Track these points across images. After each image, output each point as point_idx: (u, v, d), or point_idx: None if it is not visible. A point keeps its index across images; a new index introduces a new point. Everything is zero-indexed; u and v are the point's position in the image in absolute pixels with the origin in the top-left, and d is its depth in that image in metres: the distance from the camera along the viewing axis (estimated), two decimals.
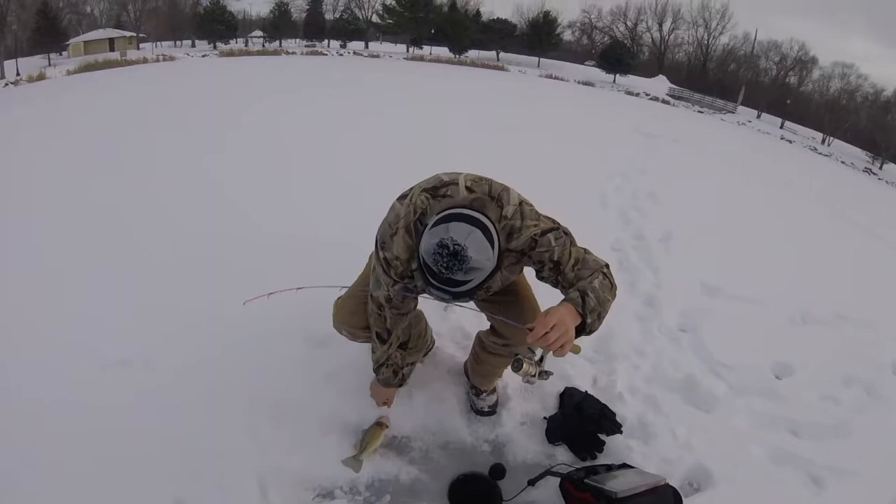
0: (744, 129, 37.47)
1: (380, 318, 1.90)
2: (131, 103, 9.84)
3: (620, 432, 2.18)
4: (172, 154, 5.66)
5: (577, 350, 1.53)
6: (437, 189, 1.60)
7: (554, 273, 1.63)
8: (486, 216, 1.49)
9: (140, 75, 17.39)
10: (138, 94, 11.28)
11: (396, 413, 2.21)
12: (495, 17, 56.36)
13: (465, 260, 1.39)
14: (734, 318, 3.31)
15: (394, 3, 57.66)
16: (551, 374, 1.58)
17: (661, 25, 73.05)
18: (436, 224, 1.44)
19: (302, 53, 45.25)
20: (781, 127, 54.93)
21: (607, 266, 1.66)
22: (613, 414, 2.25)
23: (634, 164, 7.66)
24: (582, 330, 1.53)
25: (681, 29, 73.51)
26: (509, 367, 1.66)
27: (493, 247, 1.45)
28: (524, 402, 2.35)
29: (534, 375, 1.54)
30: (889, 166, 52.30)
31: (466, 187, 1.59)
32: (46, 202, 4.20)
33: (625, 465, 2.01)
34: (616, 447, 2.17)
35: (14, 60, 45.47)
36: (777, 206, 7.83)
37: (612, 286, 1.63)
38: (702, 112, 45.08)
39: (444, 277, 1.42)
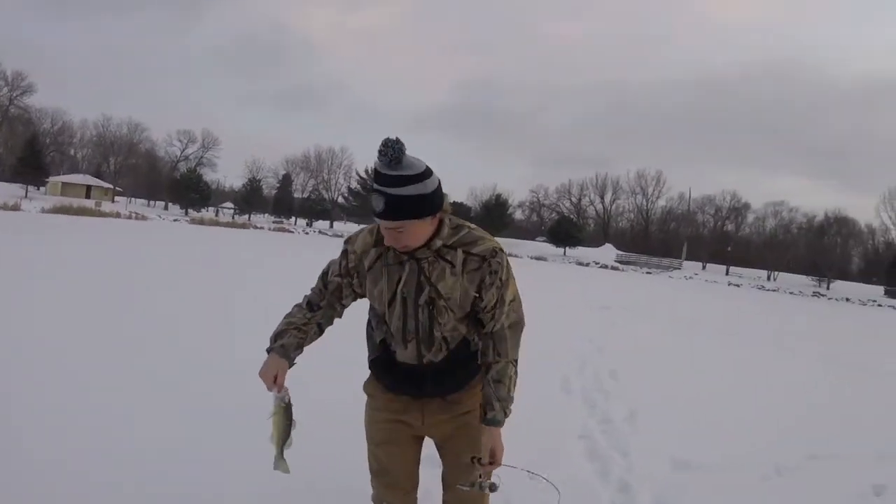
0: (691, 283, 39.36)
1: (317, 290, 1.93)
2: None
3: None
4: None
5: None
6: None
7: (494, 303, 1.81)
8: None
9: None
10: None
11: None
12: (451, 201, 60.43)
13: (400, 148, 1.60)
14: (708, 490, 3.40)
15: (359, 186, 61.58)
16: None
17: (602, 198, 79.78)
18: None
19: (269, 229, 47.09)
20: (727, 273, 57.97)
21: (521, 327, 1.90)
22: None
23: (592, 341, 8.07)
24: None
25: (621, 199, 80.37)
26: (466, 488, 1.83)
27: (427, 176, 1.66)
28: None
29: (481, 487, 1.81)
30: (835, 284, 55.21)
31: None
32: None
33: None
34: None
35: None
36: (733, 358, 8.35)
37: (517, 362, 1.88)
38: (650, 273, 47.66)
39: (383, 173, 1.61)
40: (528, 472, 2.01)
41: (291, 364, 1.84)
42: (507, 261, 1.83)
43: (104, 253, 12.84)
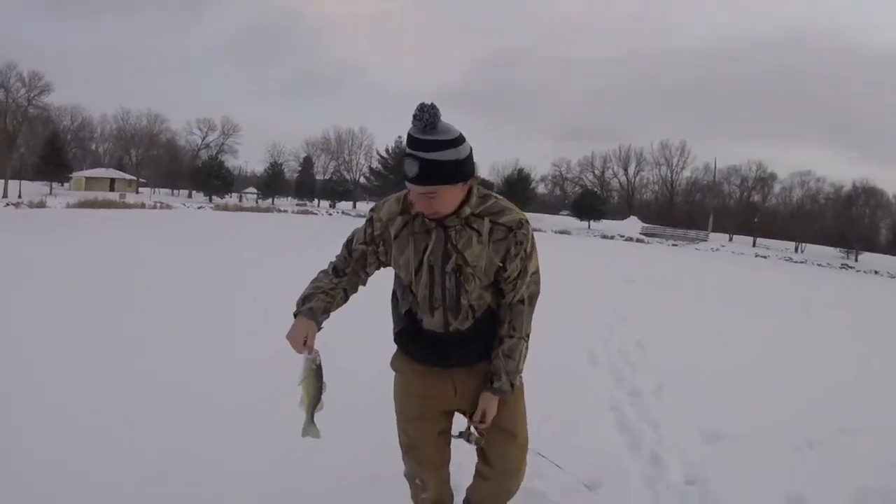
0: (718, 255, 38.87)
1: (342, 257, 1.95)
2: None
3: None
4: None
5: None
6: None
7: (518, 274, 1.84)
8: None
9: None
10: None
11: None
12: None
13: (435, 113, 1.61)
14: (738, 461, 3.38)
15: (380, 166, 61.68)
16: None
17: (626, 170, 78.75)
18: None
19: (293, 212, 47.50)
20: (754, 245, 57.13)
21: (531, 300, 1.91)
22: None
23: (617, 312, 8.07)
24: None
25: (645, 170, 79.22)
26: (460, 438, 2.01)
27: (461, 142, 1.67)
28: None
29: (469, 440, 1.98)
30: (864, 256, 54.29)
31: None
32: None
33: None
34: None
35: (18, 182, 46.61)
36: (760, 328, 8.33)
37: (528, 339, 1.93)
38: (676, 245, 47.22)
39: (418, 138, 1.63)
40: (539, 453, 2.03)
41: (319, 328, 1.83)
42: (531, 233, 1.85)
43: (119, 247, 12.95)
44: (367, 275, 1.97)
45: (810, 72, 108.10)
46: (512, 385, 1.90)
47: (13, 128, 49.05)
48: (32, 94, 49.28)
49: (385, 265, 1.94)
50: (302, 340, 1.77)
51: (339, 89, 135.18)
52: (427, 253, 1.80)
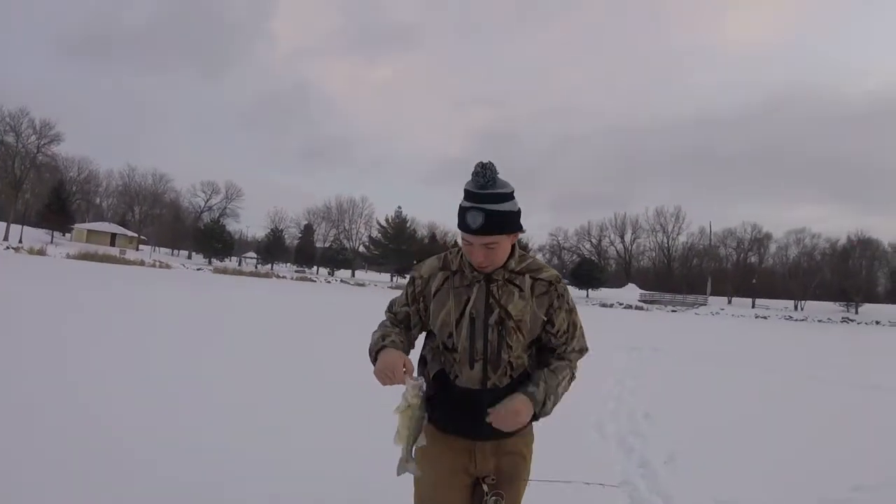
0: (717, 319, 38.80)
1: (391, 314, 1.99)
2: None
3: None
4: None
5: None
6: None
7: (567, 328, 1.91)
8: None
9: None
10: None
11: None
12: None
13: (493, 170, 1.73)
14: None
15: (379, 235, 62.47)
16: None
17: (622, 237, 79.57)
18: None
19: (292, 278, 47.64)
20: (753, 306, 56.99)
21: (582, 351, 1.98)
22: None
23: (624, 383, 8.01)
24: (533, 419, 1.85)
25: (641, 237, 79.99)
26: None
27: (514, 195, 1.77)
28: None
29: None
30: (864, 307, 53.90)
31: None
32: None
33: None
34: None
35: (21, 227, 46.52)
36: (765, 391, 8.34)
37: (573, 378, 1.95)
38: (675, 311, 47.19)
39: (481, 193, 1.72)
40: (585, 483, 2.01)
41: (406, 353, 1.84)
42: (568, 290, 1.95)
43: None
44: (413, 337, 1.98)
45: (798, 129, 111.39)
46: (544, 403, 1.82)
47: (20, 173, 49.63)
48: (42, 143, 50.16)
49: (426, 327, 1.96)
50: (401, 365, 1.72)
51: (342, 159, 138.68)
52: (469, 305, 1.85)
